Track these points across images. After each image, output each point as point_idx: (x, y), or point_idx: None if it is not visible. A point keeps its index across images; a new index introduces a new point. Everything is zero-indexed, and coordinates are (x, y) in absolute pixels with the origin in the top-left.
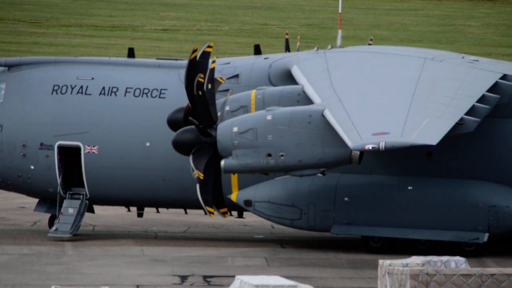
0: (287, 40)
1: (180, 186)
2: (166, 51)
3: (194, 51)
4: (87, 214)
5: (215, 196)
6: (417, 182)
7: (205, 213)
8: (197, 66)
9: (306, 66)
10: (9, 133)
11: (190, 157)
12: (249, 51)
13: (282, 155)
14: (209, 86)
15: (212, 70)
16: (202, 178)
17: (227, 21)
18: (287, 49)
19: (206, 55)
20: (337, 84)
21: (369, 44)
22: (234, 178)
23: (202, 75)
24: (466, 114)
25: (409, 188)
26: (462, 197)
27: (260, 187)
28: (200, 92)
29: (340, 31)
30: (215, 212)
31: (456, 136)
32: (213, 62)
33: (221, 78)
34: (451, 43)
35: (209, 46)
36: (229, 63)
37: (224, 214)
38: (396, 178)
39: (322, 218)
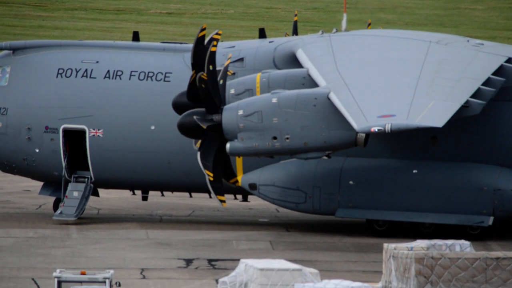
0: (295, 22)
1: (185, 169)
2: (171, 34)
3: (203, 29)
4: (92, 198)
5: (216, 179)
6: (422, 166)
7: (210, 197)
8: (205, 42)
9: (311, 50)
10: (14, 116)
11: (198, 154)
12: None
13: (287, 138)
14: (221, 82)
15: (226, 67)
16: (211, 179)
17: (232, 4)
18: (295, 32)
19: (214, 41)
20: (342, 67)
21: (369, 27)
22: (239, 161)
23: (215, 43)
24: (472, 97)
25: (414, 171)
26: (467, 181)
27: (265, 170)
28: (211, 67)
29: (345, 15)
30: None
31: (461, 119)
32: (229, 59)
33: (230, 71)
34: (456, 26)
35: (217, 34)
36: (234, 46)
37: (221, 202)
38: (401, 162)
39: (327, 202)
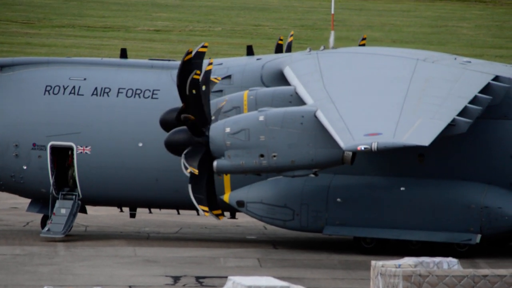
0: (280, 44)
1: (173, 186)
2: (159, 51)
3: (188, 53)
4: (79, 215)
5: (209, 198)
6: (410, 183)
7: (198, 214)
8: (192, 66)
9: (298, 67)
10: (2, 133)
11: (182, 157)
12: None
13: (274, 156)
14: (204, 87)
15: (208, 72)
16: (196, 173)
17: (220, 22)
18: (289, 50)
19: (200, 55)
20: (329, 85)
21: (362, 41)
22: (226, 178)
23: (198, 72)
24: (459, 115)
25: (402, 189)
26: (454, 198)
27: (253, 187)
28: (194, 91)
29: (332, 32)
30: (209, 213)
31: (448, 137)
32: (210, 64)
33: (215, 78)
34: (443, 44)
35: (203, 46)
36: (221, 63)
37: (218, 216)
38: (389, 179)
39: (315, 219)
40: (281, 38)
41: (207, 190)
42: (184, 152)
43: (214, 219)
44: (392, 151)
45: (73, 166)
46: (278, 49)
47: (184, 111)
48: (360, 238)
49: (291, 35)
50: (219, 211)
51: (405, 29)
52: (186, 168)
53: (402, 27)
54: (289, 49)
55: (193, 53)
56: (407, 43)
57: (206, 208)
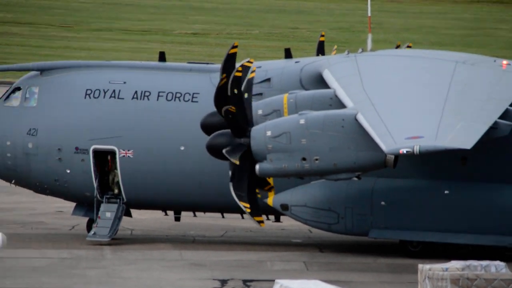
0: (322, 42)
1: (216, 190)
2: (197, 55)
3: (234, 47)
4: (124, 218)
5: (252, 204)
6: (454, 186)
7: (242, 217)
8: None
9: (337, 70)
10: (44, 137)
11: (224, 152)
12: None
13: (316, 159)
14: (246, 95)
15: (251, 79)
16: (237, 164)
17: (257, 25)
18: (321, 51)
19: (245, 69)
20: (369, 88)
21: (408, 47)
22: (270, 182)
23: (240, 68)
24: (500, 117)
25: (446, 192)
26: (500, 201)
27: (296, 191)
28: (235, 91)
29: (370, 35)
30: (250, 209)
31: (490, 139)
32: (253, 71)
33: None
34: (482, 46)
35: (249, 61)
36: (260, 66)
37: (260, 222)
38: (432, 182)
39: (360, 222)
40: (323, 34)
41: (249, 195)
42: (225, 149)
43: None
44: (435, 154)
45: (113, 171)
46: (320, 46)
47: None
48: (406, 242)
49: (322, 35)
50: (260, 218)
51: (443, 31)
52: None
53: (439, 29)
54: (321, 49)
55: (238, 65)
56: (445, 45)
57: (247, 205)
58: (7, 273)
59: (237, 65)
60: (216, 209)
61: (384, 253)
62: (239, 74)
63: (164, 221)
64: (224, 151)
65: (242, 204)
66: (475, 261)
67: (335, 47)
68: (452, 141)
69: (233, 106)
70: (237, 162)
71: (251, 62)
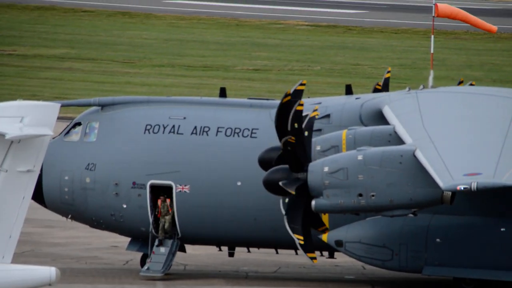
0: (387, 78)
1: (271, 225)
2: (258, 91)
3: (287, 95)
4: (178, 253)
5: (305, 241)
6: (510, 224)
7: (296, 253)
8: (290, 105)
9: (397, 106)
10: (102, 171)
11: (280, 183)
12: (340, 91)
13: (373, 195)
14: (306, 133)
15: (312, 118)
16: (293, 205)
17: (319, 61)
18: (386, 88)
19: (298, 93)
20: (428, 124)
21: (471, 85)
22: (325, 218)
23: (302, 102)
24: None
25: (502, 229)
26: None
27: (351, 227)
28: (296, 125)
29: (432, 71)
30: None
31: None
32: (315, 110)
33: (315, 111)
34: None
35: (302, 84)
36: (320, 102)
37: (312, 259)
38: (489, 219)
39: (414, 259)
40: (389, 69)
41: (304, 233)
42: (282, 182)
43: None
44: (492, 191)
45: (163, 217)
46: (385, 83)
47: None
48: (460, 279)
49: (388, 72)
50: (313, 255)
51: (506, 68)
52: (284, 206)
53: (502, 67)
54: (386, 85)
55: (292, 90)
56: (507, 82)
57: (301, 237)
58: None
59: (292, 90)
60: (270, 244)
61: None
62: (301, 108)
63: (217, 256)
64: (281, 183)
65: (296, 237)
66: None
67: (389, 69)
68: (510, 178)
69: (293, 137)
70: (293, 193)
71: (304, 84)
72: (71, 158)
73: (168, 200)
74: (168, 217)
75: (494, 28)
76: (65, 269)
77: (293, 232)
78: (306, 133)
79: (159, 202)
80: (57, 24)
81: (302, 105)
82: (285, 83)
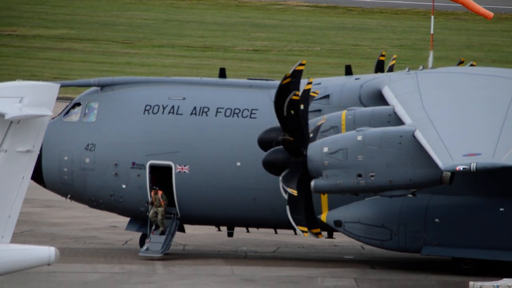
0: (381, 61)
1: (270, 206)
2: (257, 71)
3: (286, 77)
4: (177, 233)
5: (307, 217)
6: (509, 204)
7: (295, 233)
8: (290, 85)
9: (397, 87)
10: (102, 152)
11: (280, 180)
12: (340, 71)
13: (372, 176)
14: (302, 106)
15: (307, 90)
16: (295, 195)
17: (318, 41)
18: (379, 70)
19: (297, 73)
20: (428, 105)
21: (472, 65)
22: (324, 198)
23: (297, 92)
24: None
25: (501, 209)
26: None
27: (350, 207)
28: (292, 112)
29: (431, 52)
30: (308, 234)
31: None
32: (309, 83)
33: (314, 92)
34: None
35: (301, 64)
36: (320, 83)
37: (317, 234)
38: (488, 200)
39: (413, 239)
40: (383, 53)
41: (305, 210)
42: (282, 175)
43: (311, 239)
44: (491, 172)
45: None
46: (379, 65)
47: (282, 131)
48: (459, 259)
49: (394, 58)
50: (317, 230)
51: (505, 49)
52: (285, 191)
53: (502, 47)
54: (380, 67)
55: (291, 71)
56: (507, 63)
57: (305, 229)
58: (58, 287)
59: (291, 70)
60: (269, 224)
61: (436, 270)
62: (296, 97)
63: (217, 236)
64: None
65: (300, 229)
66: None
67: (394, 56)
68: (509, 158)
69: (289, 137)
70: (295, 193)
71: (303, 65)
72: (70, 139)
73: (160, 192)
74: (161, 209)
75: (491, 14)
76: (64, 249)
77: (297, 224)
78: (302, 106)
79: (152, 193)
80: (56, 5)
81: (297, 95)
82: (284, 63)
